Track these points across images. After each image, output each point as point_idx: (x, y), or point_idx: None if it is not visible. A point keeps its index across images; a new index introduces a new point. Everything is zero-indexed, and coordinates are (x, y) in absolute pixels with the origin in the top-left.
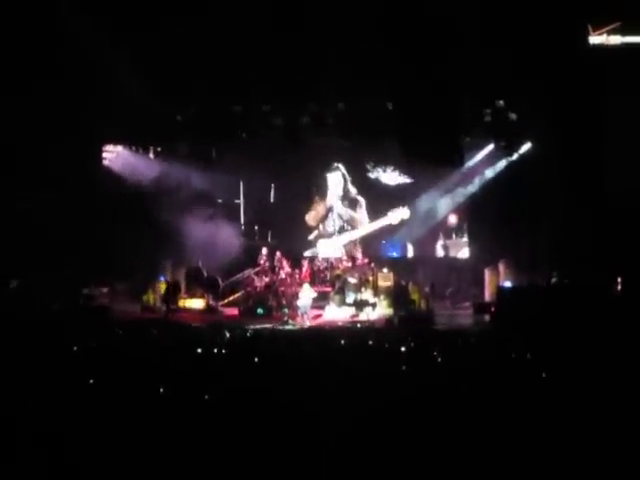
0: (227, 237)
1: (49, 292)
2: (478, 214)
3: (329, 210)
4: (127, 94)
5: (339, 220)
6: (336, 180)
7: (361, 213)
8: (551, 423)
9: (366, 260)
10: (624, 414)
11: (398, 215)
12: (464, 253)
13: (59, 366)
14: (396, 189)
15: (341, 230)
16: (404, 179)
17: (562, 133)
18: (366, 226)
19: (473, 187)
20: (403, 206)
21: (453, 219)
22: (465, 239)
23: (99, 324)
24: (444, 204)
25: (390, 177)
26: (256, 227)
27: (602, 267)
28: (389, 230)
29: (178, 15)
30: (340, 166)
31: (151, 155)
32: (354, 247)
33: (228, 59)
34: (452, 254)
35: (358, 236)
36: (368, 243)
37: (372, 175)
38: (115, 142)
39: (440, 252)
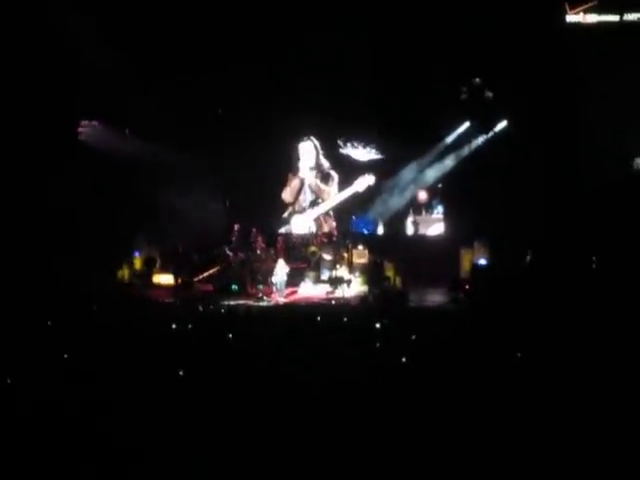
0: (201, 213)
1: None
2: (453, 191)
3: (302, 184)
4: (104, 70)
5: (311, 193)
6: (307, 150)
7: (333, 187)
8: (523, 405)
9: (335, 234)
10: (603, 397)
11: (364, 182)
12: (435, 230)
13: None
14: (368, 165)
15: (313, 204)
16: (376, 155)
17: (538, 112)
18: (333, 197)
19: (448, 164)
20: (369, 173)
21: (423, 195)
22: (435, 215)
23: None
24: (417, 181)
25: (362, 153)
26: (227, 203)
27: (577, 246)
28: (360, 206)
29: None
30: (312, 138)
31: (127, 131)
32: (325, 222)
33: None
34: (422, 231)
35: (327, 209)
36: (339, 219)
37: (344, 151)
38: (91, 117)
39: (410, 229)
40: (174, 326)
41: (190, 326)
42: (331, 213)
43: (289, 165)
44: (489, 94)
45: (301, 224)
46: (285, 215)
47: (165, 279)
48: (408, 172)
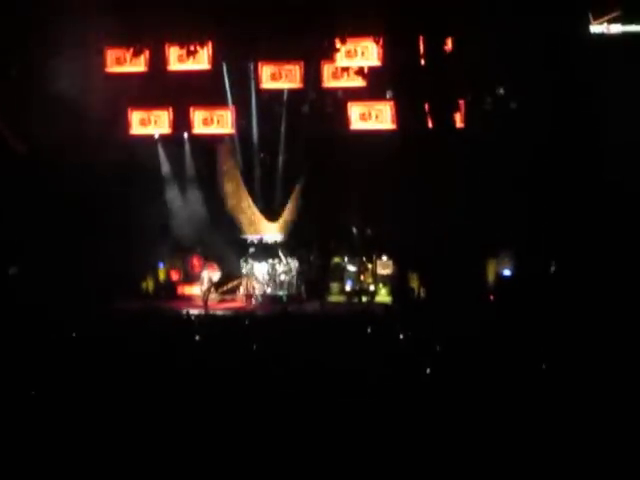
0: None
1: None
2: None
3: None
4: None
5: None
6: None
7: None
8: (546, 416)
9: None
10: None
11: None
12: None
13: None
14: None
15: None
16: None
17: (562, 122)
18: None
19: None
20: None
21: None
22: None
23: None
24: None
25: None
26: None
27: (601, 255)
28: None
29: None
30: None
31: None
32: None
33: None
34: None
35: None
36: None
37: None
38: None
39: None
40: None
41: None
42: None
43: None
44: (513, 104)
45: None
46: None
47: (195, 290)
48: None
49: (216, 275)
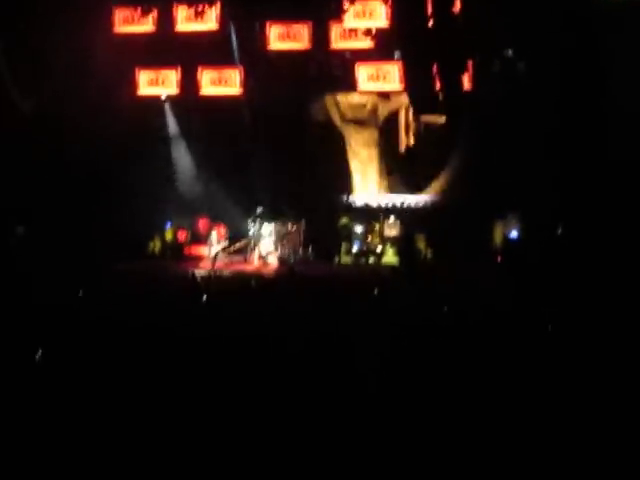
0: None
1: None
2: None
3: None
4: None
5: None
6: None
7: None
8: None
9: None
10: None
11: None
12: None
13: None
14: None
15: None
16: None
17: (567, 85)
18: None
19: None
20: None
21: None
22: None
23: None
24: None
25: None
26: None
27: (608, 218)
28: None
29: None
30: None
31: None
32: None
33: None
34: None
35: None
36: None
37: None
38: None
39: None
40: None
41: None
42: None
43: None
44: (521, 66)
45: None
46: None
47: (203, 250)
48: None
49: (223, 236)
